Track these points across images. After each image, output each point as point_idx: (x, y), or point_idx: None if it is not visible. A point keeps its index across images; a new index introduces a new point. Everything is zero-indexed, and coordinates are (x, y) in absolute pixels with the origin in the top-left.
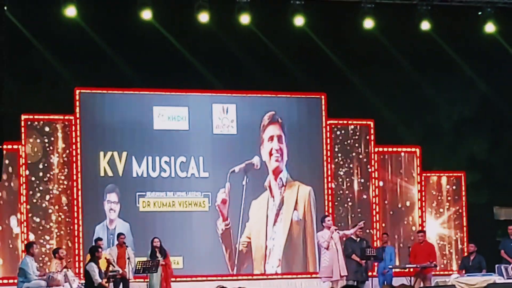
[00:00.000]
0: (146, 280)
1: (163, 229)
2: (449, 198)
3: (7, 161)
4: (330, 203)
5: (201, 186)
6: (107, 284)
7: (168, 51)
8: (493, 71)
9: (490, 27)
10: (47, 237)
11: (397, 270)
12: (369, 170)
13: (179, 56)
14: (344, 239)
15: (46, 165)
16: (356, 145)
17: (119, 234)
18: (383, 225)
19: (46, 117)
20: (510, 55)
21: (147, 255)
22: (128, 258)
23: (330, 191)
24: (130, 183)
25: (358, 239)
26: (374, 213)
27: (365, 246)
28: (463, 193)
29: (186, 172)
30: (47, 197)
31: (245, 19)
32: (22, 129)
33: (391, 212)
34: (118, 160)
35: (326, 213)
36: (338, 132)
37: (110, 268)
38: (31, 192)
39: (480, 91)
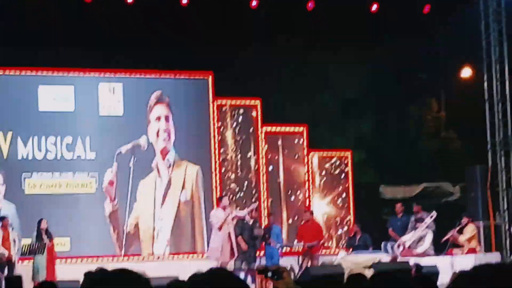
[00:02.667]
0: (31, 261)
1: (50, 211)
2: (336, 177)
3: None
4: (218, 181)
5: (88, 167)
6: None
7: (53, 28)
8: (378, 51)
9: (374, 6)
10: None
11: (284, 250)
12: (257, 149)
13: (65, 34)
14: (235, 220)
15: None
16: (244, 124)
17: (3, 217)
18: (270, 204)
19: None
20: (393, 35)
21: (33, 237)
22: (14, 241)
23: (218, 170)
24: (16, 165)
25: (252, 220)
26: (261, 193)
27: (255, 227)
28: (350, 172)
29: (72, 153)
30: None
31: None
32: None
33: (278, 192)
34: (3, 141)
35: (217, 193)
36: (226, 111)
37: None
38: None
39: (365, 71)
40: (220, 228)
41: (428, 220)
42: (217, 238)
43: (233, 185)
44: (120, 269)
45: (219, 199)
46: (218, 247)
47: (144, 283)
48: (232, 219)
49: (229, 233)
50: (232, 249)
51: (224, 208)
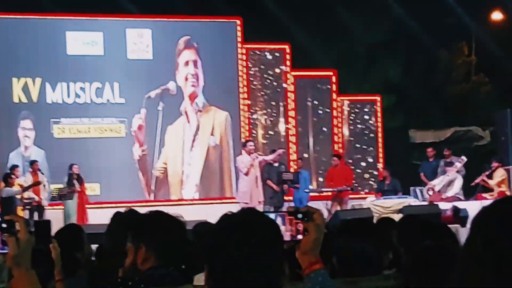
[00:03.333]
0: (62, 207)
1: (79, 155)
2: (365, 122)
3: None
4: (246, 127)
5: (117, 112)
6: (23, 212)
7: None
8: None
9: None
10: None
11: (313, 194)
12: (285, 94)
13: None
14: (262, 164)
15: None
16: (272, 69)
17: (33, 162)
18: (298, 149)
19: None
20: None
21: (64, 182)
22: (44, 185)
23: (246, 115)
24: (45, 110)
25: (277, 164)
26: (289, 138)
27: (282, 170)
28: (379, 117)
29: (101, 98)
30: None
31: None
32: None
33: (307, 137)
34: (32, 86)
35: (243, 139)
36: (254, 56)
37: (25, 195)
38: None
39: (394, 14)
40: (247, 173)
41: (458, 165)
42: (245, 182)
43: (260, 131)
44: (156, 211)
45: (244, 144)
46: (246, 192)
47: (179, 224)
48: (259, 163)
49: (256, 178)
50: (259, 193)
51: (249, 152)
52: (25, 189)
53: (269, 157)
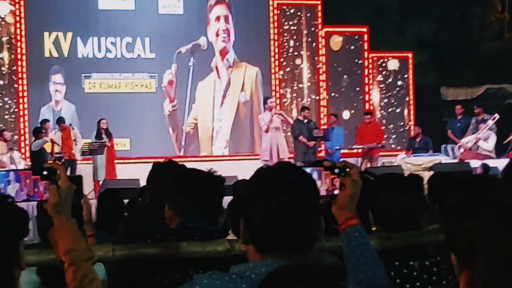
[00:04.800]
0: (91, 162)
1: (110, 110)
2: (396, 79)
3: None
4: (277, 82)
5: (148, 67)
6: None
7: None
8: None
9: None
10: None
11: (344, 151)
12: (317, 50)
13: None
14: (283, 121)
15: None
16: (304, 26)
17: (60, 120)
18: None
19: None
20: None
21: (92, 137)
22: (75, 140)
23: (277, 71)
24: (76, 64)
25: (306, 120)
26: (321, 94)
27: (312, 127)
28: (411, 74)
29: (132, 53)
30: None
31: None
32: None
33: (333, 95)
34: (63, 40)
35: (275, 95)
36: (286, 13)
37: (56, 150)
38: None
39: None
40: (266, 130)
41: (490, 122)
42: (266, 139)
43: (288, 89)
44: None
45: (265, 101)
46: (266, 149)
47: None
48: (283, 121)
49: (276, 135)
50: (283, 150)
51: (270, 109)
52: (53, 157)
53: (286, 115)
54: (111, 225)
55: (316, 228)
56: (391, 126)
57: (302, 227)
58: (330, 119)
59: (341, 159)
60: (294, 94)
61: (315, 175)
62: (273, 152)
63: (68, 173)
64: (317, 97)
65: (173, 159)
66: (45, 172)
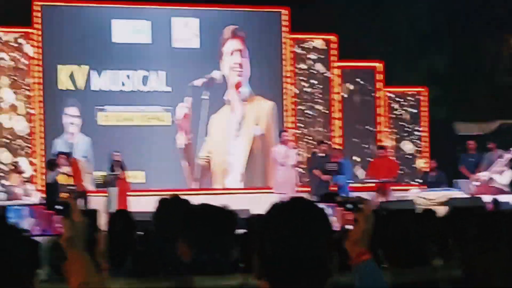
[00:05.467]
0: (105, 194)
1: (124, 143)
2: (411, 114)
3: None
4: (291, 117)
5: (163, 101)
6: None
7: None
8: None
9: None
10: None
11: (356, 185)
12: (330, 85)
13: None
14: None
15: None
16: (319, 60)
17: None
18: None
19: (5, 29)
20: None
21: (106, 169)
22: (88, 173)
23: (291, 105)
24: (91, 98)
25: (324, 155)
26: (334, 128)
27: (327, 162)
28: (426, 108)
29: (147, 86)
30: None
31: None
32: None
33: (353, 128)
34: (79, 73)
35: (291, 129)
36: (301, 47)
37: (69, 182)
38: None
39: (441, 4)
40: (283, 164)
41: (508, 157)
42: (281, 173)
43: (306, 120)
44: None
45: (279, 134)
46: (283, 182)
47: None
48: (298, 154)
49: (292, 168)
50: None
51: (285, 142)
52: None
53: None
54: (121, 248)
55: (329, 263)
56: (405, 160)
57: (315, 262)
58: (339, 154)
59: (350, 193)
60: (309, 129)
61: (329, 211)
62: (290, 185)
63: (82, 205)
64: (329, 130)
65: (182, 193)
66: (59, 207)
